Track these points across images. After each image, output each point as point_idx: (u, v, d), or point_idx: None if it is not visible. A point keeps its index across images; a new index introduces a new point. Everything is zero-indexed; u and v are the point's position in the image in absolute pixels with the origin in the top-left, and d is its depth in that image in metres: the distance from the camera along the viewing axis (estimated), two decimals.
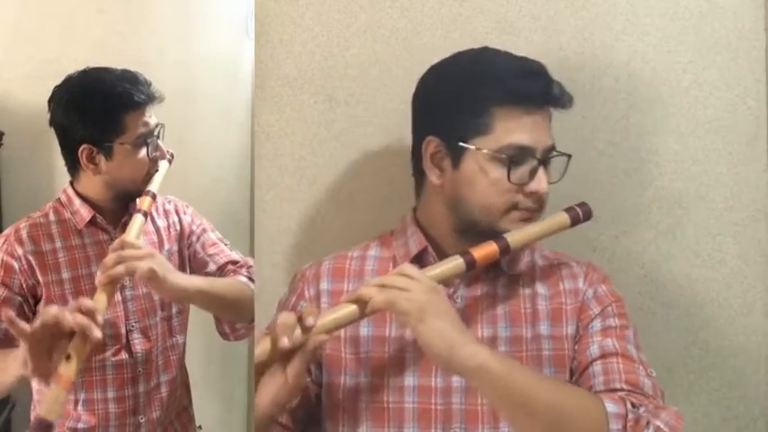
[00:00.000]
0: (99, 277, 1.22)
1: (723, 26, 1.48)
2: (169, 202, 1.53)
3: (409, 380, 1.11)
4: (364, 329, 1.14)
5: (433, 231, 1.16)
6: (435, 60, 1.19)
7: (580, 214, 1.14)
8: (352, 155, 1.45)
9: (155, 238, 1.46)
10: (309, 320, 0.96)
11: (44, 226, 1.40)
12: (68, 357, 1.09)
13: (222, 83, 1.72)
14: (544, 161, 1.10)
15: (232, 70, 1.72)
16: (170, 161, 1.43)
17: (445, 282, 1.08)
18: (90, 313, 1.11)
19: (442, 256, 1.12)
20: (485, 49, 1.16)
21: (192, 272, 1.50)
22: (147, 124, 1.38)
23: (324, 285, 1.18)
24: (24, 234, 1.39)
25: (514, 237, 1.08)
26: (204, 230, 1.52)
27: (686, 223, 1.47)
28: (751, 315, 1.47)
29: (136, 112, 1.37)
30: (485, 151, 1.07)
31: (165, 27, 1.69)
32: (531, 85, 1.08)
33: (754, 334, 1.47)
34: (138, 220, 1.33)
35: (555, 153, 1.13)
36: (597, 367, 1.06)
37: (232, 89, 1.71)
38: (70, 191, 1.42)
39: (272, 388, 0.99)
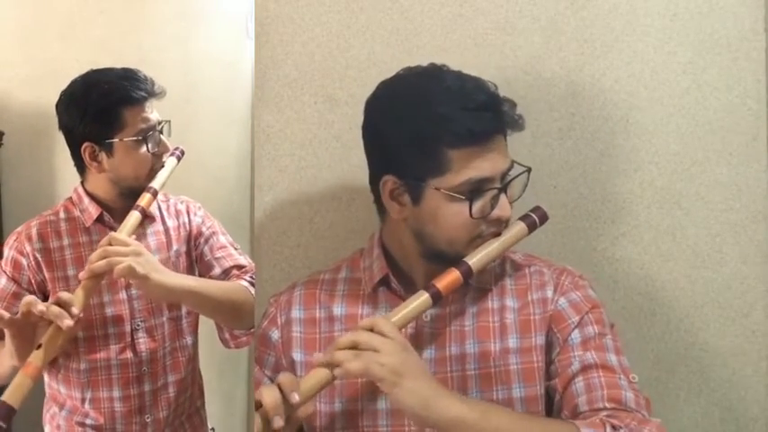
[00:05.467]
0: (82, 272, 1.24)
1: (723, 26, 1.48)
2: (182, 202, 1.53)
3: (382, 404, 1.12)
4: None
5: (399, 254, 1.17)
6: (435, 62, 1.19)
7: (536, 220, 1.13)
8: (352, 155, 1.44)
9: (163, 238, 1.46)
10: (294, 397, 0.98)
11: (54, 224, 1.43)
12: (39, 346, 1.15)
13: (222, 83, 1.72)
14: (504, 187, 1.09)
15: (232, 70, 1.72)
16: (179, 158, 1.43)
17: (403, 287, 1.11)
18: (65, 304, 1.17)
19: (405, 279, 1.14)
20: (429, 76, 1.13)
21: (200, 274, 1.50)
22: (146, 120, 1.39)
23: (294, 314, 1.19)
24: (34, 231, 1.41)
25: (475, 259, 1.08)
26: (214, 233, 1.52)
27: (686, 224, 1.47)
28: (751, 316, 1.47)
29: (135, 108, 1.38)
30: (444, 191, 1.07)
31: (164, 27, 1.69)
32: (480, 122, 1.06)
33: (754, 335, 1.47)
34: (133, 216, 1.34)
35: (518, 172, 1.11)
36: (579, 384, 1.06)
37: (232, 89, 1.71)
38: (80, 189, 1.44)
39: None
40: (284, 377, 1.00)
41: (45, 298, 1.39)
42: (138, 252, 1.27)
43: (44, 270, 1.40)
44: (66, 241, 1.41)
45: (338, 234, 1.47)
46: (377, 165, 1.15)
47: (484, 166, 1.07)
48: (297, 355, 1.16)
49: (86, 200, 1.42)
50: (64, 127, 1.40)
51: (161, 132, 1.42)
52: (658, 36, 1.48)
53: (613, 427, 0.98)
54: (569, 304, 1.13)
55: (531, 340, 1.12)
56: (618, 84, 1.48)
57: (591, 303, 1.13)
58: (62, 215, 1.44)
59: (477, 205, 1.08)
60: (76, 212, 1.43)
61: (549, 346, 1.12)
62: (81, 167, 1.42)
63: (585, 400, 1.05)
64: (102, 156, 1.38)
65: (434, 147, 1.07)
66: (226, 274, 1.48)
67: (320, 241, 1.47)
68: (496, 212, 1.08)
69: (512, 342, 1.12)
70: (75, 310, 1.18)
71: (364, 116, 1.17)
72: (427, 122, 1.07)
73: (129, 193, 1.41)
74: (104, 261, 1.24)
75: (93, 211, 1.42)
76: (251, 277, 1.46)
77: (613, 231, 1.47)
